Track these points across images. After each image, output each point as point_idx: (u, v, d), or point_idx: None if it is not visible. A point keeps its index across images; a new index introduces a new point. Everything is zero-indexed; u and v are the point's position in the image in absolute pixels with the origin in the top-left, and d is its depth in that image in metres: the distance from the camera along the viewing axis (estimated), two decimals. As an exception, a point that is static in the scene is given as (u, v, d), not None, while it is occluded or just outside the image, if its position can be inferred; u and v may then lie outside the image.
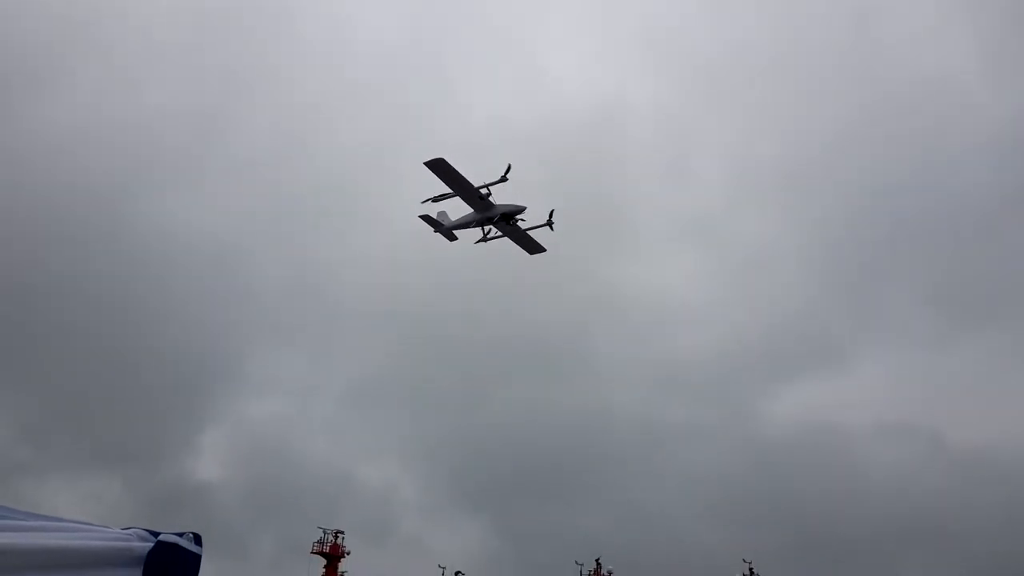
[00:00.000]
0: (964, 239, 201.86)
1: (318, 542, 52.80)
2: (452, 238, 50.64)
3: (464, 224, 49.74)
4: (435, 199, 48.53)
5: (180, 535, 4.21)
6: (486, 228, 49.63)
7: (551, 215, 48.40)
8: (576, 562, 54.61)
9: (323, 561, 53.17)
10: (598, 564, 54.60)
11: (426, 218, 50.36)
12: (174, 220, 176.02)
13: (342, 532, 54.24)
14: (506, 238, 50.05)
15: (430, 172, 46.24)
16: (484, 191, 46.56)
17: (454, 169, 45.62)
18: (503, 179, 46.29)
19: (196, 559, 4.11)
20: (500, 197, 47.71)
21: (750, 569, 55.74)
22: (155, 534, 4.20)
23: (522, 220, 49.39)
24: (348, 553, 54.05)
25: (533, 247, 50.81)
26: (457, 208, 49.71)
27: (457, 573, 58.50)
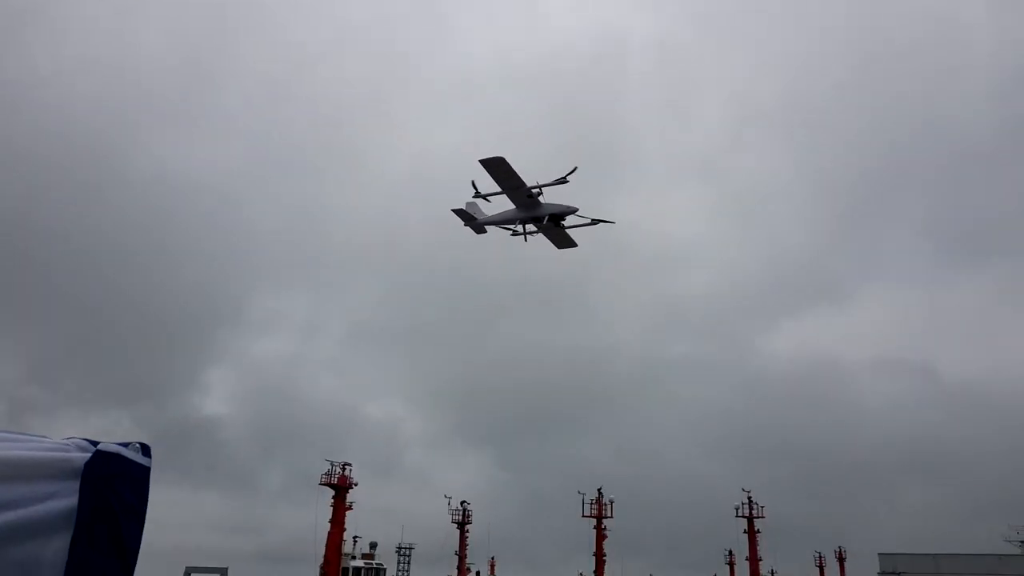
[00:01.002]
0: (965, 176, 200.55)
1: (326, 474, 53.93)
2: (482, 231, 46.58)
3: (503, 221, 45.13)
4: (481, 196, 43.52)
5: (124, 445, 3.76)
6: (526, 226, 45.12)
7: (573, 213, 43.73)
8: (579, 492, 55.90)
9: (331, 492, 54.25)
10: (600, 494, 55.74)
11: (459, 212, 45.69)
12: (175, 162, 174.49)
13: (349, 464, 55.28)
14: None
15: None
16: (536, 190, 42.39)
17: (511, 168, 40.96)
18: (563, 180, 42.29)
19: (144, 471, 3.71)
20: (549, 195, 43.40)
21: (749, 499, 57.02)
22: (95, 443, 3.75)
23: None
24: (356, 484, 55.18)
25: (564, 242, 46.50)
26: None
27: (463, 503, 60.06)
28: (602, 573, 52.68)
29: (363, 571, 54.21)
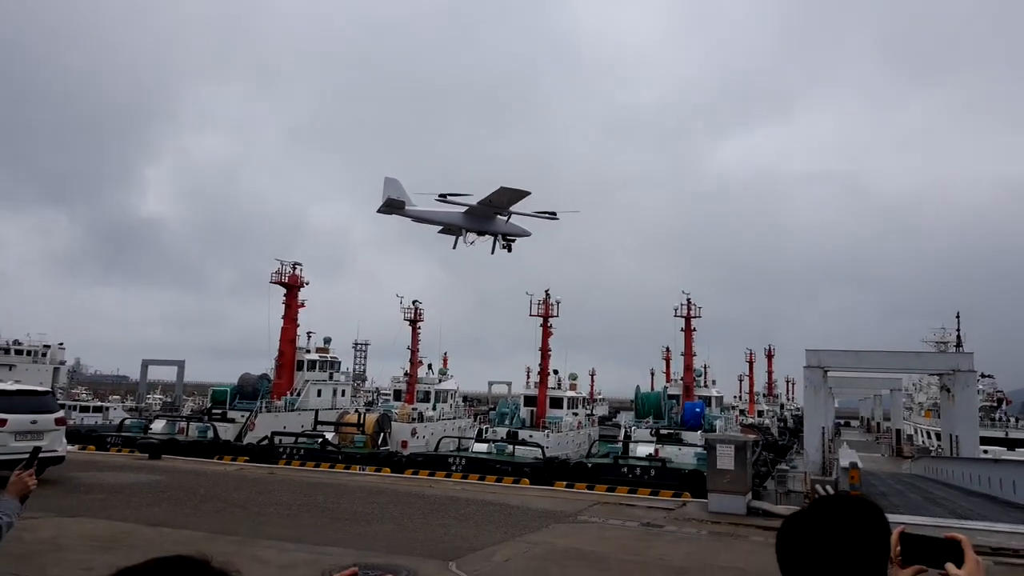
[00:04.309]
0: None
1: (276, 272, 54.22)
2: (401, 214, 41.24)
3: (439, 222, 40.78)
4: (445, 198, 38.97)
5: None
6: (467, 235, 41.16)
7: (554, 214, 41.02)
8: (527, 292, 57.69)
9: (283, 291, 54.80)
10: (547, 294, 57.58)
11: (387, 206, 39.60)
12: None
13: (300, 264, 55.47)
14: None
15: None
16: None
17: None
18: (552, 216, 39.95)
19: None
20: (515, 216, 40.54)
21: (688, 299, 59.68)
22: None
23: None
24: (307, 283, 55.73)
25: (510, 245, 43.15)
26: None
27: (414, 302, 61.66)
28: (546, 366, 55.74)
29: (318, 364, 56.18)
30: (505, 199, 40.90)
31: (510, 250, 43.80)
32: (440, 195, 40.02)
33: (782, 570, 2.24)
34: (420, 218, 41.18)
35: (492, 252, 43.27)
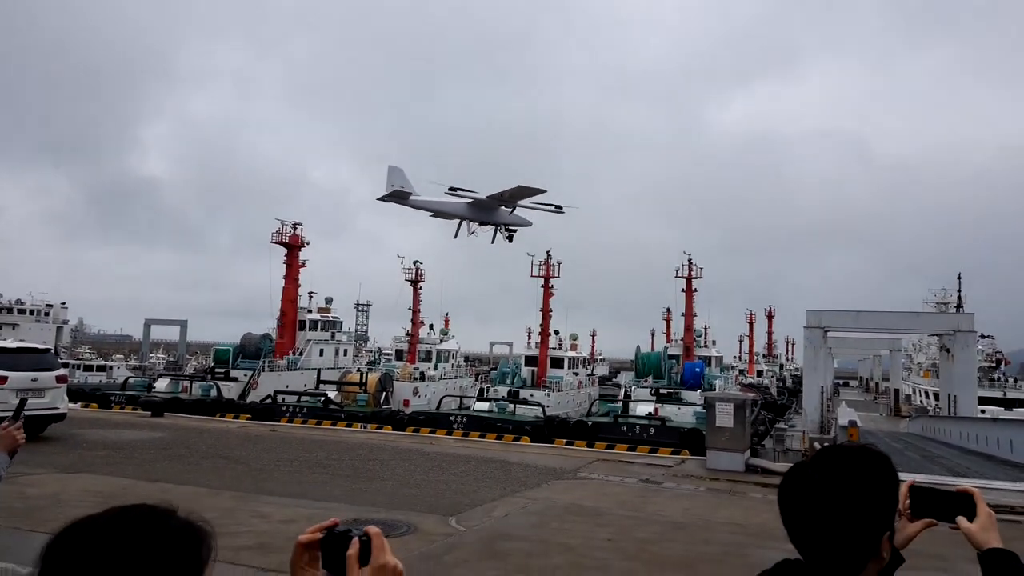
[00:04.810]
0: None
1: (277, 232, 54.02)
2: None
3: (444, 213, 41.14)
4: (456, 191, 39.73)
5: None
6: (470, 225, 41.66)
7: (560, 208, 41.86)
8: (528, 254, 57.51)
9: (283, 251, 54.66)
10: (548, 256, 57.43)
11: (391, 196, 39.94)
12: None
13: (300, 224, 55.23)
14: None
15: None
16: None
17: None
18: (558, 209, 40.44)
19: None
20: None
21: (689, 260, 59.55)
22: None
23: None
24: (308, 243, 55.57)
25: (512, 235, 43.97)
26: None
27: (415, 262, 61.59)
28: (547, 326, 55.83)
29: (319, 323, 56.31)
30: (521, 196, 41.60)
31: (511, 240, 44.43)
32: (450, 188, 40.51)
33: (784, 522, 2.09)
34: (424, 208, 41.83)
35: (492, 241, 43.79)
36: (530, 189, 40.58)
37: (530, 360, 56.60)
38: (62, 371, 19.46)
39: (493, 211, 41.84)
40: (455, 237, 43.07)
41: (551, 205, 42.75)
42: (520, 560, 9.48)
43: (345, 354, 58.65)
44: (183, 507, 1.61)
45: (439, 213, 42.21)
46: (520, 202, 42.16)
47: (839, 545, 1.97)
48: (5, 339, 25.11)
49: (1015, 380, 64.48)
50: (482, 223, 42.78)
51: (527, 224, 43.61)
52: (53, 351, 21.65)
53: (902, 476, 2.34)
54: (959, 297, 66.21)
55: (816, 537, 2.00)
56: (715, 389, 47.06)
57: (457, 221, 42.86)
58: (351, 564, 1.64)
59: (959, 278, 67.62)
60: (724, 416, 18.06)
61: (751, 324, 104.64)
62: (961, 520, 2.17)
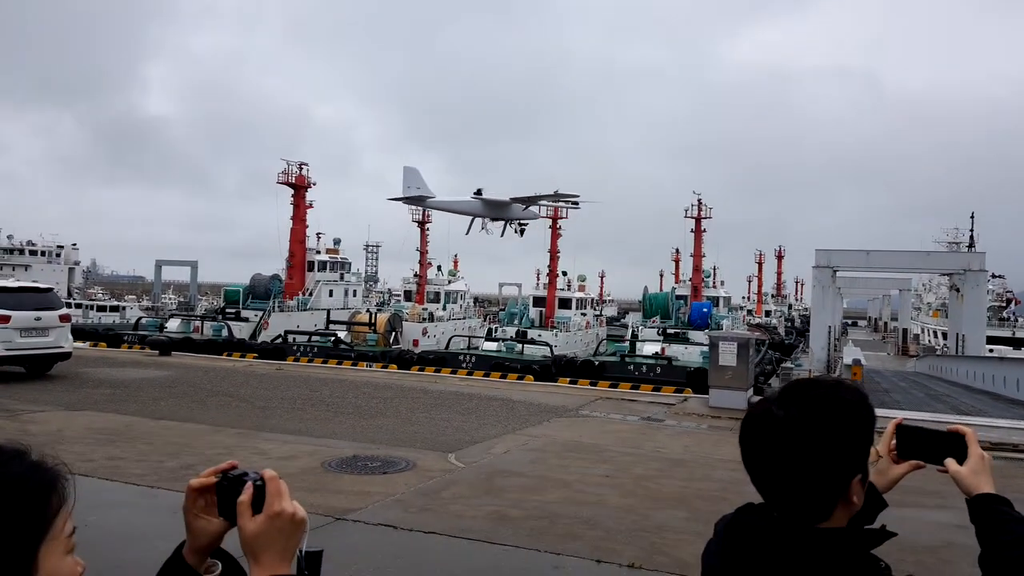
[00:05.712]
0: None
1: (283, 172, 53.58)
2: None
3: (459, 211, 42.64)
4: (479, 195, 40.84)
5: None
6: (484, 222, 43.14)
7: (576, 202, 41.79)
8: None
9: (290, 191, 54.29)
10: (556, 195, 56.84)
11: (409, 199, 41.57)
12: None
13: (306, 164, 54.71)
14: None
15: None
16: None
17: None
18: (574, 204, 40.48)
19: None
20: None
21: (699, 200, 58.82)
22: None
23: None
24: (314, 184, 55.15)
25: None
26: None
27: (421, 202, 61.18)
28: (555, 267, 55.70)
29: (328, 264, 56.32)
30: (548, 199, 42.98)
31: (522, 234, 45.63)
32: (476, 192, 41.95)
33: (745, 463, 1.81)
34: (440, 208, 43.39)
35: (502, 235, 44.88)
36: (564, 196, 42.95)
37: (538, 301, 56.66)
38: (65, 310, 19.50)
39: (508, 209, 42.95)
40: (467, 233, 45.08)
41: (566, 197, 44.15)
42: (517, 495, 9.51)
43: (355, 295, 58.80)
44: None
45: (456, 214, 44.04)
46: (541, 201, 43.79)
47: (801, 488, 1.71)
48: (8, 278, 25.17)
49: (1025, 320, 64.18)
50: (494, 219, 44.27)
51: (538, 218, 44.87)
52: (55, 290, 21.67)
53: (898, 414, 2.12)
54: (971, 236, 65.43)
55: (776, 479, 1.75)
56: (722, 329, 47.06)
57: (470, 218, 44.55)
58: (242, 511, 1.47)
59: (972, 217, 66.72)
60: (727, 355, 17.98)
61: (760, 264, 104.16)
62: (950, 462, 1.95)
